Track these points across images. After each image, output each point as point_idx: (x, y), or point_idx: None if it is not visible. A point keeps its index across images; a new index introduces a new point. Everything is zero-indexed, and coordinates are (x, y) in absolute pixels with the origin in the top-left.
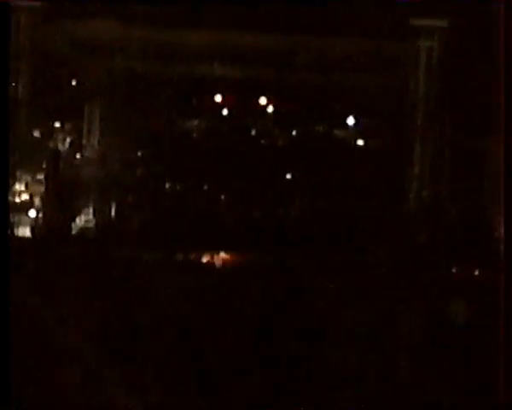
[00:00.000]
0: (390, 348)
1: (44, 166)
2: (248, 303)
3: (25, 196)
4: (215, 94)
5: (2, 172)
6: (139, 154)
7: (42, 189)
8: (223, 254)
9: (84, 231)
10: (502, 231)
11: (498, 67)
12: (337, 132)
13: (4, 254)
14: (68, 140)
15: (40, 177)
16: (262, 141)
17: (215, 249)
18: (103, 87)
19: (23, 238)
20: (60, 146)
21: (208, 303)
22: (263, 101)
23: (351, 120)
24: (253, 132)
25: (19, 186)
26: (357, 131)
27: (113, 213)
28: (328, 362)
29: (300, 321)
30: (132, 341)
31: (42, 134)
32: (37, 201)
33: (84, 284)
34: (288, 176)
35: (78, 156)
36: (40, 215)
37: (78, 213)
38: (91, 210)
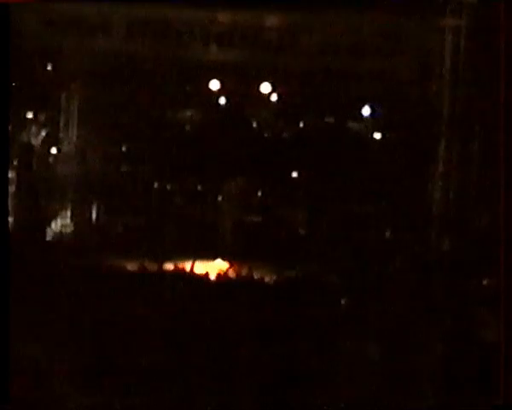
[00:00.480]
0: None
1: (15, 162)
2: (247, 320)
3: None
4: (211, 80)
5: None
6: (124, 149)
7: (12, 189)
8: (219, 263)
9: (60, 236)
10: None
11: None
12: (351, 124)
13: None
14: (42, 133)
15: (11, 175)
16: (265, 134)
17: (210, 258)
18: (83, 72)
19: None
20: (33, 140)
21: (200, 320)
22: (266, 88)
23: (366, 111)
24: (255, 124)
25: None
26: (374, 122)
27: (93, 216)
28: (339, 382)
29: (308, 342)
30: (110, 362)
31: (12, 126)
32: None
33: (58, 298)
34: (294, 174)
35: (53, 151)
36: (10, 219)
37: (54, 216)
38: (69, 213)
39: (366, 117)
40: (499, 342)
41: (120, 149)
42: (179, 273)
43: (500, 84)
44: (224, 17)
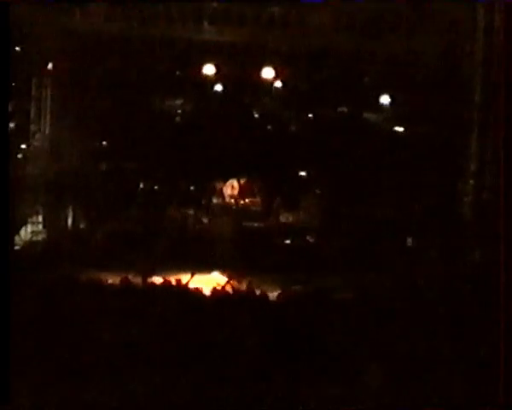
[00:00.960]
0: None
1: None
2: (245, 341)
3: None
4: (205, 64)
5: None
6: (104, 143)
7: None
8: (216, 277)
9: (30, 245)
10: None
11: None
12: (367, 115)
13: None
14: (11, 125)
15: None
16: (267, 126)
17: (204, 270)
18: (57, 55)
19: None
20: None
21: (193, 343)
22: (268, 73)
23: (385, 99)
24: (256, 115)
25: None
26: (394, 113)
27: (69, 221)
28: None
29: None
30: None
31: None
32: None
33: (24, 319)
34: (302, 173)
35: (23, 146)
36: None
37: (24, 221)
38: (41, 218)
39: (385, 107)
40: (499, 342)
41: (101, 143)
42: (168, 288)
43: (500, 85)
44: None
